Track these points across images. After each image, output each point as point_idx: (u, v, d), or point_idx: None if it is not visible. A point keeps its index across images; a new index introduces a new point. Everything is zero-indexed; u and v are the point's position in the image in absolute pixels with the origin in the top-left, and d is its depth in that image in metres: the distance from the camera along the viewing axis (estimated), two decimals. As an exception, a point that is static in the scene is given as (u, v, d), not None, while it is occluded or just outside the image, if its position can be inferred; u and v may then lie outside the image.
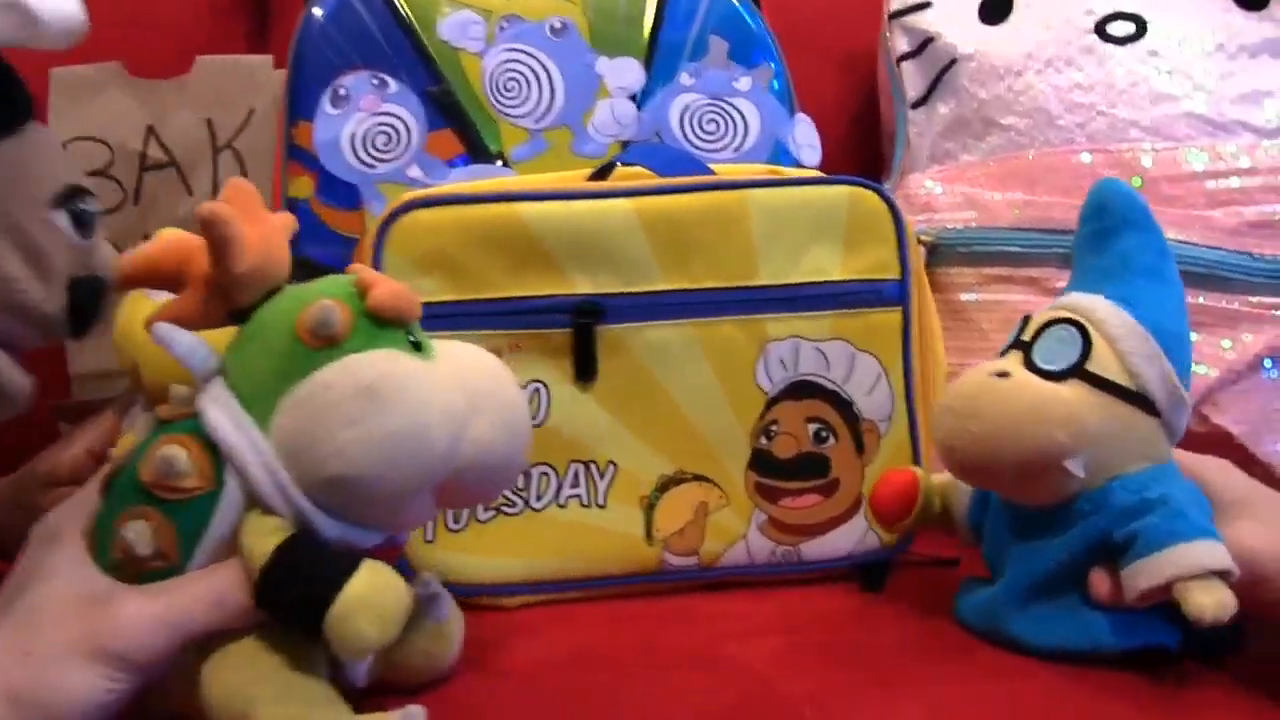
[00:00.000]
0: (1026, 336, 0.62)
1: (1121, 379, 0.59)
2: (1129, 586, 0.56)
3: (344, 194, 0.82)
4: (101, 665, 0.46)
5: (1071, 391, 0.59)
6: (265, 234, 0.51)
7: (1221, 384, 0.80)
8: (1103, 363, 0.59)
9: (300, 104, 0.84)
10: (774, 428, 0.73)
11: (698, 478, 0.73)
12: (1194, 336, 0.80)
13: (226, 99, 0.98)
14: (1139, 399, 0.59)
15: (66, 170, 0.56)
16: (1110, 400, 0.59)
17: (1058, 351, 0.60)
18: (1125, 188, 0.62)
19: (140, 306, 0.71)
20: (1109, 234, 0.62)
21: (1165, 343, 0.60)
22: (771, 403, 0.73)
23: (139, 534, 0.48)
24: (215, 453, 0.49)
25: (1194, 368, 0.80)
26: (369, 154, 0.83)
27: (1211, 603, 0.53)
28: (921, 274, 0.76)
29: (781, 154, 0.87)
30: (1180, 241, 0.80)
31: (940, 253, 0.85)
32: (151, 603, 0.48)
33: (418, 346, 0.52)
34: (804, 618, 0.69)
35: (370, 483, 0.48)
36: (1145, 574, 0.56)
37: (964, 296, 0.85)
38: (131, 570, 0.49)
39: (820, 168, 0.88)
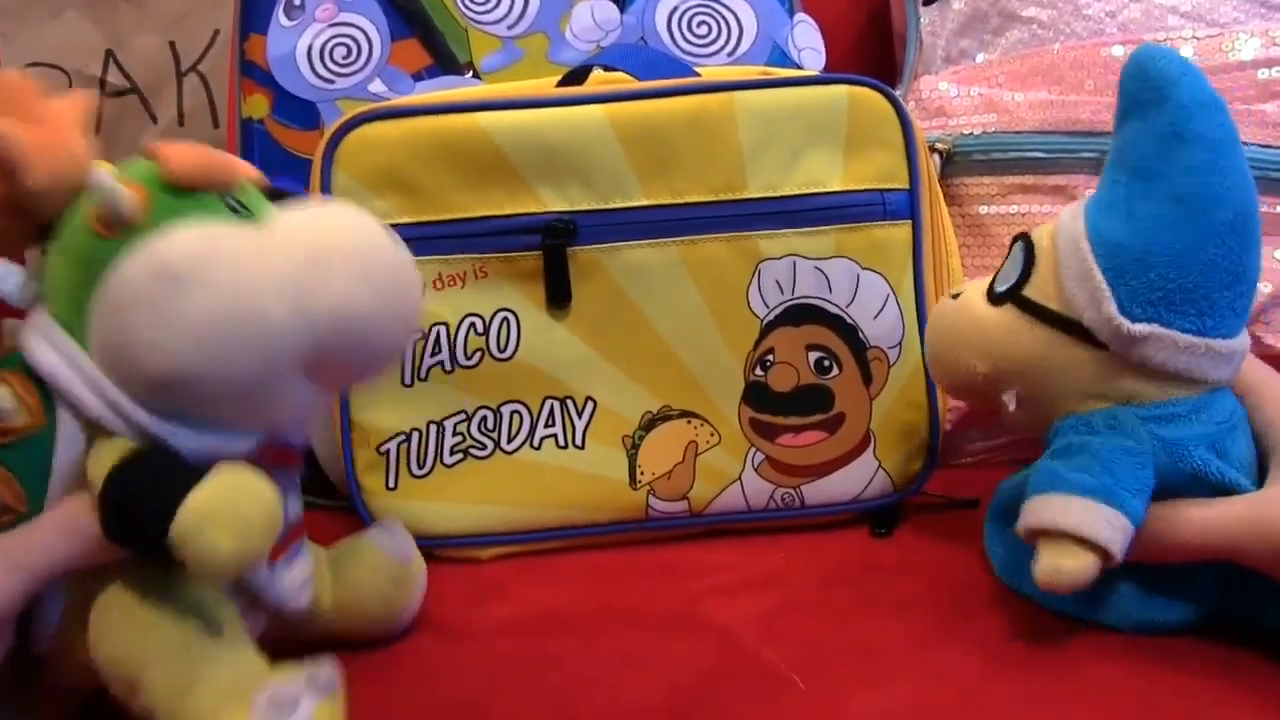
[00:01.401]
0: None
1: (1054, 303, 0.53)
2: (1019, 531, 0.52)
3: (301, 112, 0.78)
4: None
5: (1000, 316, 0.54)
6: (52, 134, 0.44)
7: (1275, 300, 0.72)
8: (1042, 284, 0.53)
9: (252, 16, 0.79)
10: (770, 357, 0.67)
11: (686, 414, 0.67)
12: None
13: (190, 19, 0.95)
14: (1074, 327, 0.52)
15: None
16: (1043, 329, 0.53)
17: (1008, 273, 0.55)
18: (1146, 58, 0.51)
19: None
20: (1119, 121, 0.53)
21: (1120, 259, 0.51)
22: (767, 329, 0.66)
23: None
24: (42, 386, 0.44)
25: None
26: (327, 68, 0.77)
27: (1043, 566, 0.49)
28: (934, 184, 0.70)
29: (780, 58, 0.81)
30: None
31: (956, 161, 0.78)
32: None
33: (244, 212, 0.45)
34: (802, 570, 0.63)
35: (197, 375, 0.42)
36: (1022, 516, 0.51)
37: (983, 209, 0.78)
38: None
39: (825, 73, 0.81)
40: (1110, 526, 0.48)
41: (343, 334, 0.44)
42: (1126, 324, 0.50)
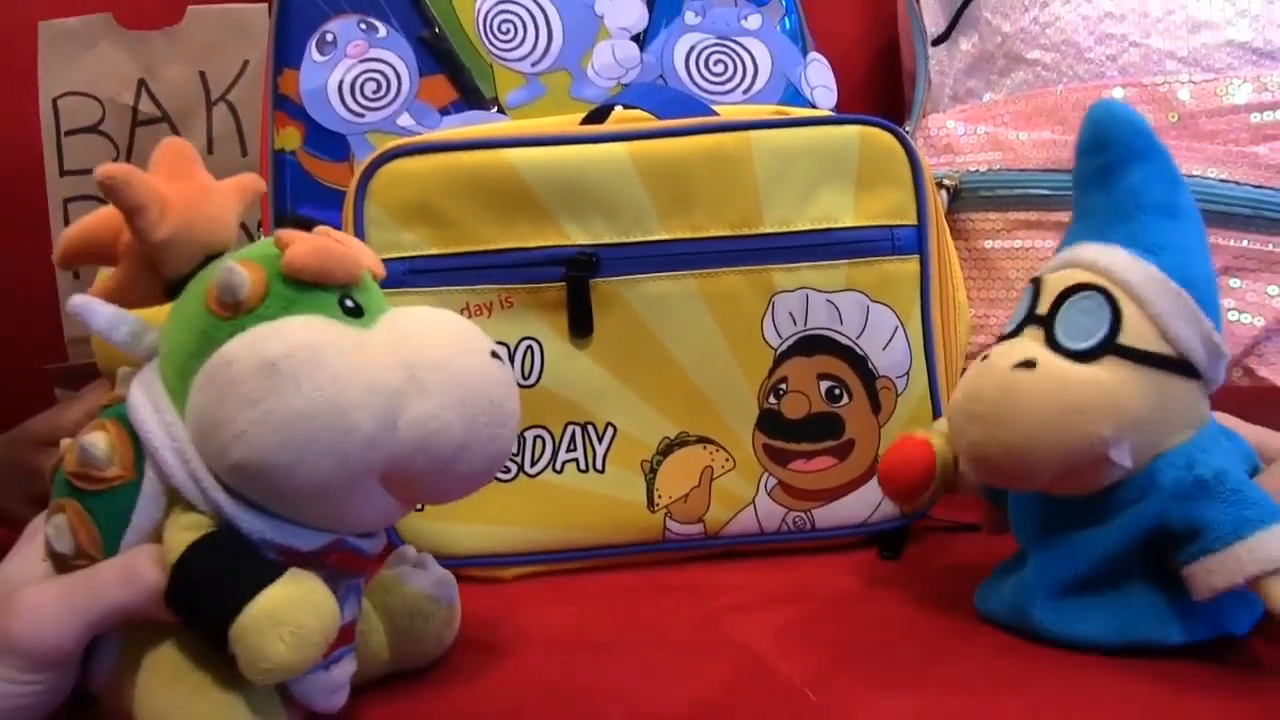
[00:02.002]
0: (1043, 309, 0.54)
1: (1159, 346, 0.52)
2: (1201, 584, 0.50)
3: (332, 145, 0.79)
4: (3, 663, 0.42)
5: (1108, 373, 0.51)
6: (192, 196, 0.46)
7: (1268, 334, 0.75)
8: (1136, 331, 0.52)
9: (286, 51, 0.81)
10: (783, 386, 0.69)
11: (702, 440, 0.69)
12: (1237, 283, 0.75)
13: (220, 50, 0.97)
14: (1180, 365, 0.52)
15: None
16: (1150, 373, 0.52)
17: (1084, 326, 0.52)
18: (1123, 111, 0.54)
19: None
20: (1114, 168, 0.54)
21: (1197, 292, 0.52)
22: (780, 359, 0.69)
23: (58, 529, 0.44)
24: (139, 442, 0.44)
25: (1238, 317, 0.75)
26: (358, 102, 0.79)
27: None
28: (941, 220, 0.72)
29: (794, 96, 0.83)
30: (1222, 180, 0.75)
31: (963, 197, 0.81)
32: (54, 587, 0.44)
33: (357, 312, 0.46)
34: (814, 590, 0.65)
35: (278, 471, 0.42)
36: (1222, 573, 0.49)
37: (989, 243, 0.80)
38: (60, 570, 0.45)
39: (836, 110, 0.84)
40: None
41: (427, 456, 0.45)
42: (1224, 346, 0.52)
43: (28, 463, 0.75)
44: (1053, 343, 0.53)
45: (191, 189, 0.46)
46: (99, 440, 0.44)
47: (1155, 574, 0.53)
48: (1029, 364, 0.52)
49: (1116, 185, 0.54)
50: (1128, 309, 0.52)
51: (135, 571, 0.43)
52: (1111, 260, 0.53)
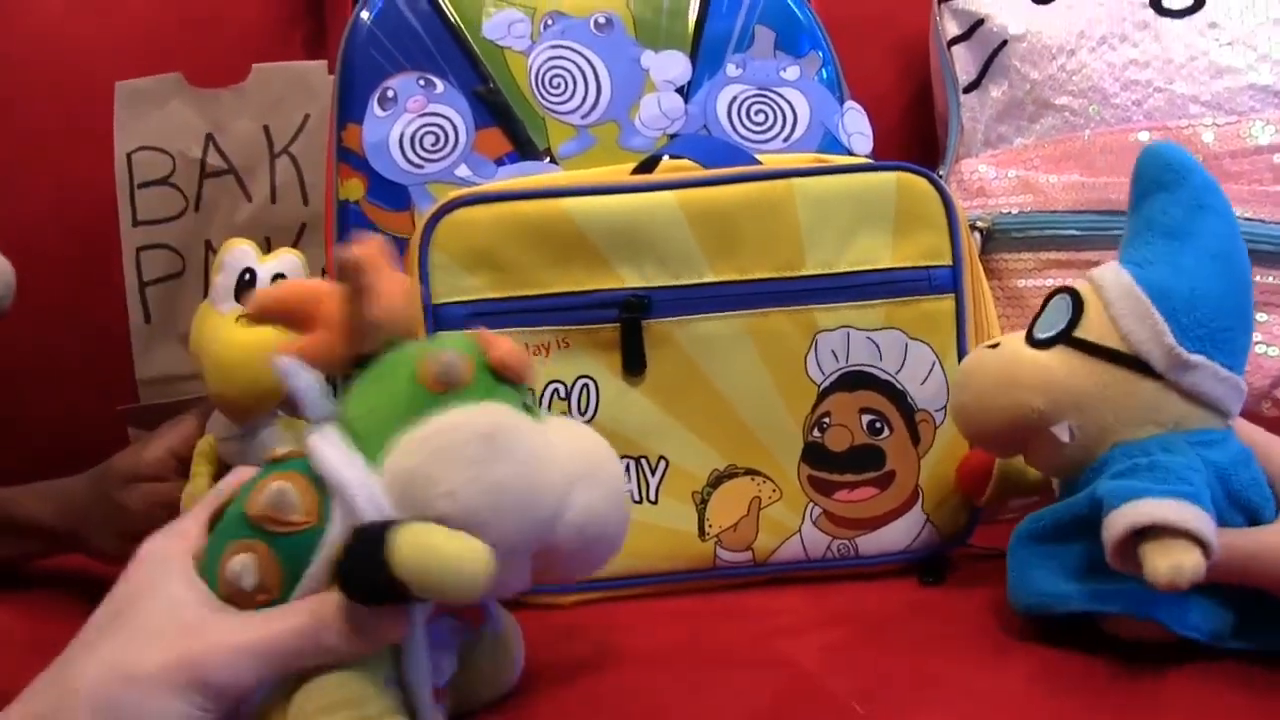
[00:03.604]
0: (1040, 311, 0.62)
1: (1111, 342, 0.58)
2: (1105, 546, 0.54)
3: (393, 195, 0.83)
4: (193, 694, 0.46)
5: (1053, 357, 0.60)
6: (397, 288, 0.52)
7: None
8: (1093, 327, 0.59)
9: (349, 107, 0.84)
10: (826, 420, 0.72)
11: (750, 472, 0.72)
12: (1264, 317, 0.78)
13: (283, 105, 1.01)
14: (1133, 362, 0.58)
15: None
16: (1100, 365, 0.59)
17: (1050, 320, 0.61)
18: (1163, 149, 0.60)
19: (210, 319, 0.73)
20: (1140, 199, 0.60)
21: (1172, 301, 0.57)
22: (823, 394, 0.72)
23: (245, 567, 0.48)
24: (321, 491, 0.49)
25: (1266, 350, 0.78)
26: (417, 155, 0.83)
27: (1166, 565, 0.50)
28: (975, 260, 0.75)
29: (832, 143, 0.86)
30: (1247, 219, 0.78)
31: (996, 238, 0.84)
32: (244, 632, 0.47)
33: (530, 410, 0.52)
34: (859, 613, 0.68)
35: (475, 528, 0.47)
36: (1109, 527, 0.53)
37: (1021, 282, 0.84)
38: (235, 604, 0.49)
39: (872, 156, 0.87)
40: (1208, 524, 0.52)
41: (581, 539, 0.52)
42: (1184, 353, 0.57)
43: (114, 499, 0.79)
44: (1030, 335, 0.61)
45: (397, 282, 0.52)
46: (291, 489, 0.48)
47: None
48: (994, 345, 0.63)
49: (1138, 212, 0.60)
50: (1092, 310, 0.60)
51: (318, 632, 0.47)
52: (1099, 271, 0.60)
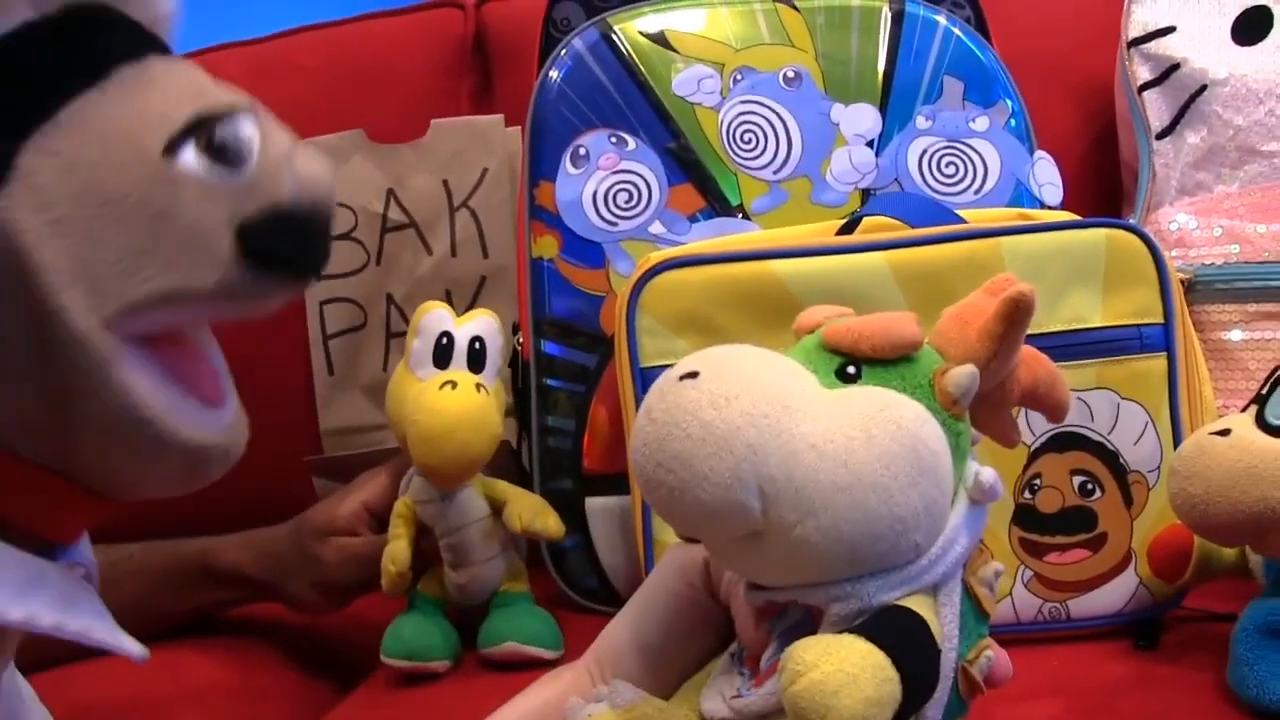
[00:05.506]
0: (1265, 390, 0.59)
1: None
2: None
3: (588, 252, 0.84)
4: None
5: None
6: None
7: None
8: None
9: (541, 165, 0.86)
10: (1037, 481, 0.71)
11: (959, 533, 0.71)
12: None
13: (461, 159, 1.03)
14: None
15: (192, 99, 0.39)
16: None
17: None
18: None
19: (410, 387, 0.73)
20: None
21: None
22: (1034, 455, 0.71)
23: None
24: None
25: None
26: (611, 212, 0.84)
27: None
28: (1186, 316, 0.74)
29: (1023, 193, 0.86)
30: None
31: (1197, 290, 0.82)
32: None
33: None
34: (1078, 678, 0.67)
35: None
36: None
37: (1227, 335, 0.82)
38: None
39: (1062, 206, 0.86)
40: None
41: None
42: None
43: (309, 550, 0.81)
44: (1260, 419, 0.58)
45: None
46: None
47: None
48: (1224, 432, 0.59)
49: None
50: None
51: None
52: None
